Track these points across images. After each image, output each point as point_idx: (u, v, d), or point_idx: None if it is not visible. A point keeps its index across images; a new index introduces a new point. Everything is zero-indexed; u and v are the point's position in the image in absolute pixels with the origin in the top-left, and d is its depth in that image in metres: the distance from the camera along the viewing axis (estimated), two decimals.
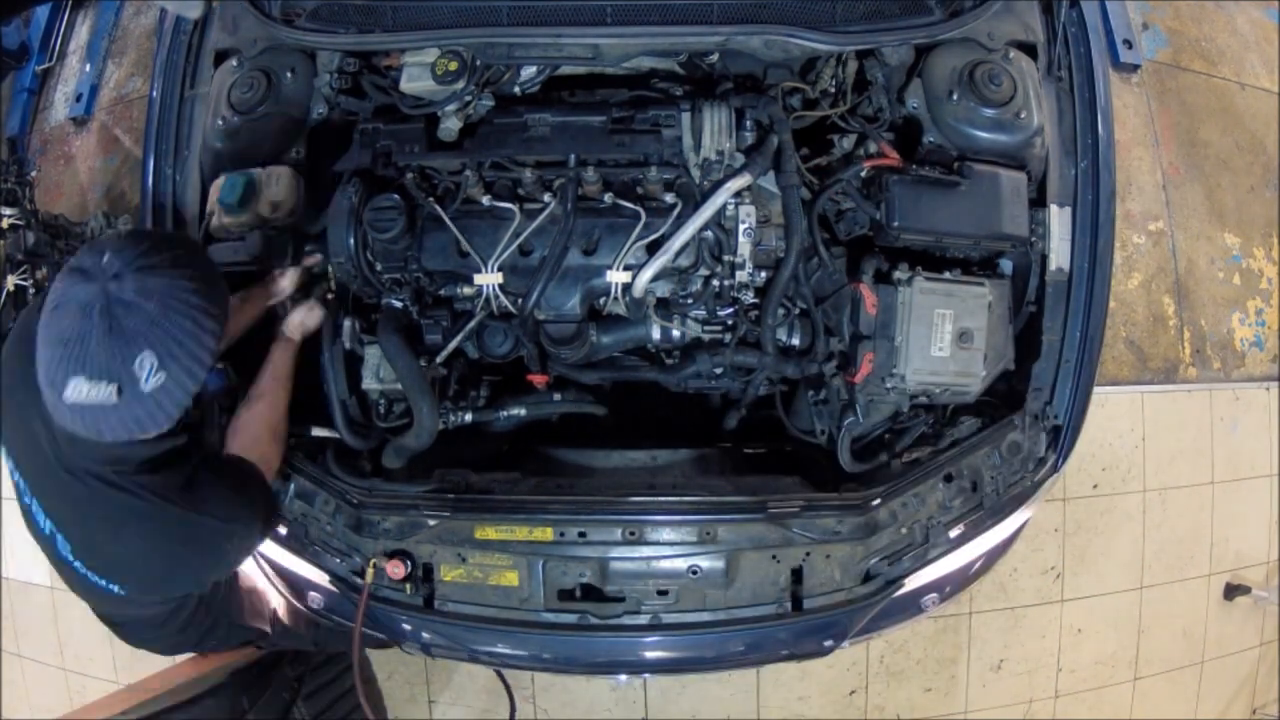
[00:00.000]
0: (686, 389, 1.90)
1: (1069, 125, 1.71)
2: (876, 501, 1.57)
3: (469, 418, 1.79)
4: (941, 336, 1.56)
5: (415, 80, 1.59)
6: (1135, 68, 3.24)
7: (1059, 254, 1.67)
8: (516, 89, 1.70)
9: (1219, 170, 3.26)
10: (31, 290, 2.61)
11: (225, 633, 1.80)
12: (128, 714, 2.13)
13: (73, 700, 3.18)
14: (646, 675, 2.57)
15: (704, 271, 1.66)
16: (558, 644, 1.61)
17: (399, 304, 1.72)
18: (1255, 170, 3.30)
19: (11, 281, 2.55)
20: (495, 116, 1.64)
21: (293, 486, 1.65)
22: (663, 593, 1.54)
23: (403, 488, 1.63)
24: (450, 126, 1.62)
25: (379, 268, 1.66)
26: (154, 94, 1.84)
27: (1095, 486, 2.96)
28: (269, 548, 1.69)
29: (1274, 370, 3.19)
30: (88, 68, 3.66)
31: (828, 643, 1.61)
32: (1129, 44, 3.20)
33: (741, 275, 1.63)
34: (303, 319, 1.64)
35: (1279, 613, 3.11)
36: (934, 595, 1.71)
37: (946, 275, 1.59)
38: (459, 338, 1.71)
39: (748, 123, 1.60)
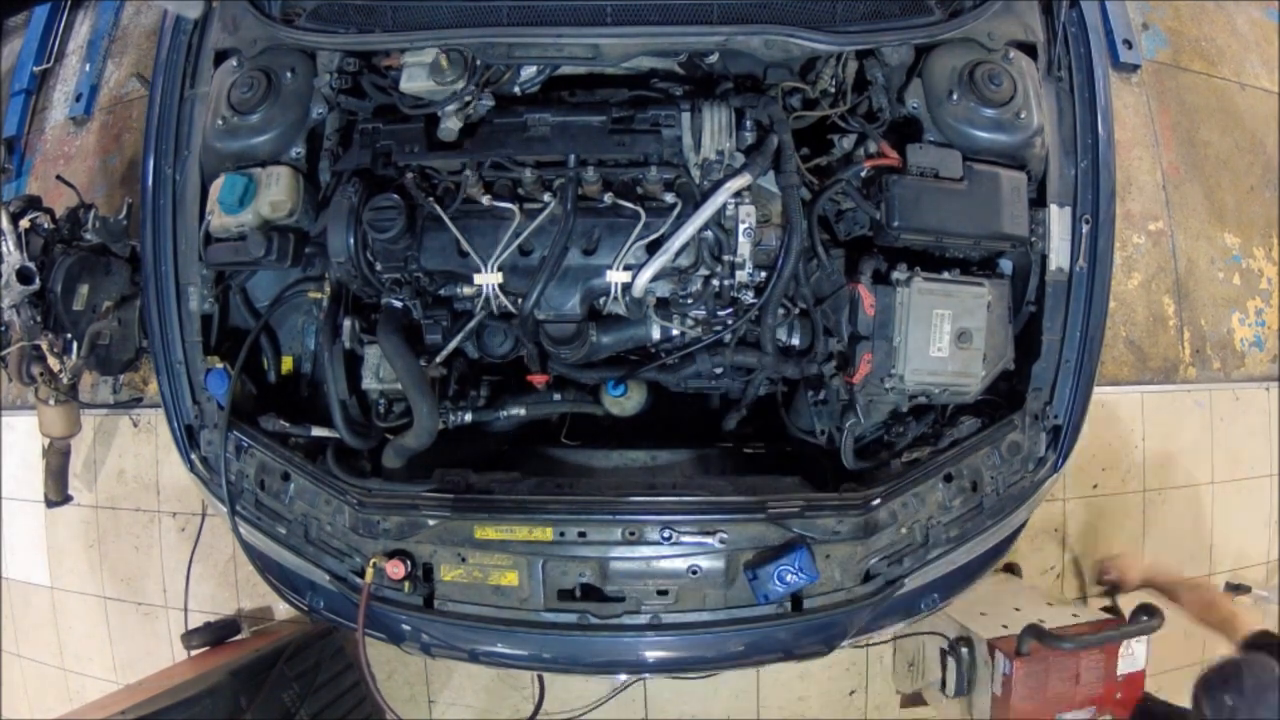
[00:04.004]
0: (686, 389, 1.90)
1: (1069, 125, 1.71)
2: (876, 501, 1.57)
3: (469, 418, 1.80)
4: (940, 337, 1.56)
5: (415, 80, 1.59)
6: (1135, 68, 3.24)
7: (1059, 254, 1.67)
8: (516, 89, 1.70)
9: (1219, 170, 3.26)
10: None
11: None
12: (127, 714, 2.14)
13: (72, 700, 3.18)
14: (646, 675, 2.57)
15: (704, 271, 1.66)
16: (558, 644, 1.60)
17: (399, 304, 1.72)
18: (1255, 170, 3.30)
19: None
20: (495, 116, 1.64)
21: (292, 486, 1.65)
22: (662, 593, 1.54)
23: (403, 488, 1.63)
24: (450, 126, 1.62)
25: (379, 268, 1.65)
26: (154, 94, 1.84)
27: (1095, 486, 2.96)
28: (269, 547, 1.69)
29: (1274, 370, 3.20)
30: (87, 68, 3.66)
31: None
32: (1129, 44, 3.21)
33: (741, 275, 1.63)
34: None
35: (1279, 613, 3.11)
36: (934, 595, 1.71)
37: (945, 275, 1.59)
38: (459, 338, 1.71)
39: (748, 123, 1.59)
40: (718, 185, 1.56)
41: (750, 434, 2.07)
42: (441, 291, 1.72)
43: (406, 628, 1.63)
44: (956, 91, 1.62)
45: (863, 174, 1.64)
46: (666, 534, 1.53)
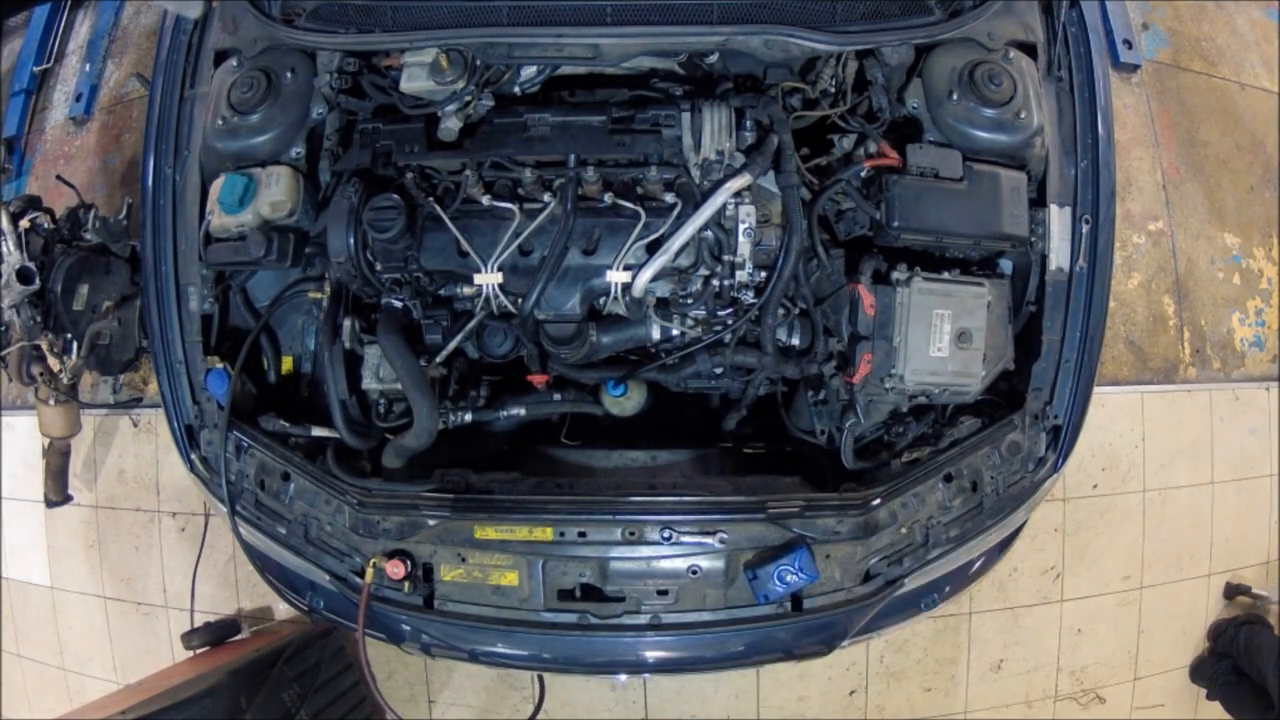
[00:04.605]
0: (686, 389, 1.90)
1: (1069, 125, 1.71)
2: (876, 501, 1.57)
3: (469, 418, 1.80)
4: (940, 337, 1.56)
5: (415, 80, 1.59)
6: (1135, 68, 3.24)
7: (1059, 254, 1.67)
8: (516, 89, 1.70)
9: (1219, 170, 3.26)
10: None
11: None
12: (127, 714, 2.14)
13: (72, 700, 3.18)
14: (646, 675, 2.57)
15: (704, 271, 1.66)
16: (558, 644, 1.61)
17: (399, 304, 1.72)
18: (1255, 170, 3.30)
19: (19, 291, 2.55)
20: (495, 116, 1.64)
21: (292, 486, 1.65)
22: (662, 593, 1.54)
23: (403, 488, 1.63)
24: (450, 126, 1.62)
25: (379, 268, 1.66)
26: (154, 94, 1.84)
27: (1095, 486, 2.96)
28: (269, 547, 1.69)
29: (1274, 370, 3.20)
30: (87, 68, 3.66)
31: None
32: (1129, 44, 3.20)
33: (741, 275, 1.63)
34: None
35: (1279, 613, 3.11)
36: (934, 595, 1.71)
37: (945, 275, 1.59)
38: (459, 338, 1.71)
39: (748, 123, 1.59)
40: (718, 185, 1.56)
41: (750, 434, 2.06)
42: (441, 291, 1.72)
43: (406, 628, 1.63)
44: (956, 91, 1.62)
45: (863, 174, 1.64)
46: (666, 534, 1.53)
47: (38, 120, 3.75)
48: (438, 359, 1.72)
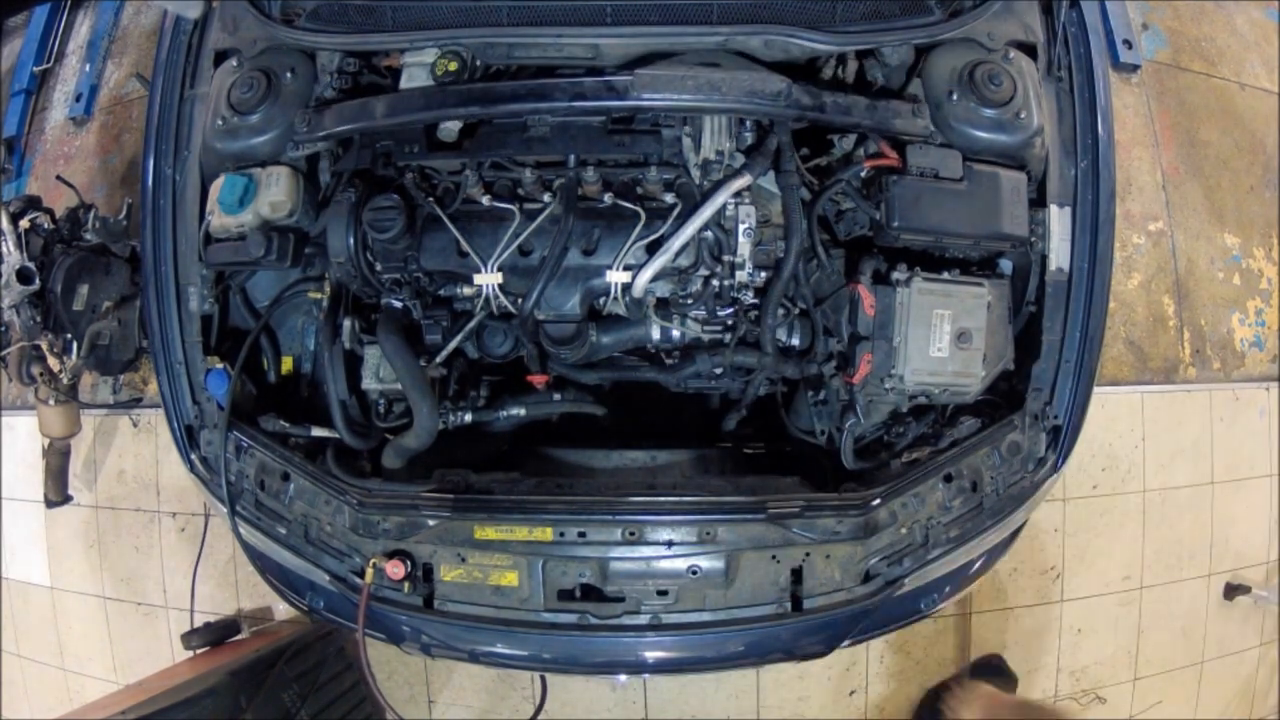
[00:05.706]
0: (686, 389, 1.90)
1: (1069, 125, 1.71)
2: (876, 502, 1.57)
3: (469, 418, 1.80)
4: (940, 337, 1.56)
5: (415, 80, 1.59)
6: (1135, 68, 3.24)
7: (1059, 254, 1.67)
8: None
9: (1219, 170, 3.26)
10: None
11: None
12: (127, 714, 2.14)
13: (72, 700, 3.18)
14: (646, 675, 2.57)
15: (704, 271, 1.66)
16: (558, 644, 1.61)
17: (399, 304, 1.72)
18: (1255, 170, 3.30)
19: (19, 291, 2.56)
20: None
21: (292, 487, 1.65)
22: (662, 593, 1.54)
23: (403, 488, 1.63)
24: (450, 127, 1.62)
25: (379, 268, 1.66)
26: (154, 94, 1.84)
27: (1095, 486, 2.96)
28: (269, 547, 1.69)
29: (1274, 370, 3.19)
30: (87, 68, 3.66)
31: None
32: (1129, 44, 3.20)
33: (741, 275, 1.63)
34: None
35: (1279, 613, 3.11)
36: (934, 595, 1.71)
37: (945, 275, 1.59)
38: (459, 338, 1.71)
39: (747, 123, 1.59)
40: (718, 185, 1.56)
41: (750, 434, 2.07)
42: (441, 291, 1.72)
43: (406, 628, 1.63)
44: (956, 91, 1.61)
45: (863, 174, 1.64)
46: (666, 535, 1.53)
47: (38, 120, 3.75)
48: (438, 359, 1.72)
